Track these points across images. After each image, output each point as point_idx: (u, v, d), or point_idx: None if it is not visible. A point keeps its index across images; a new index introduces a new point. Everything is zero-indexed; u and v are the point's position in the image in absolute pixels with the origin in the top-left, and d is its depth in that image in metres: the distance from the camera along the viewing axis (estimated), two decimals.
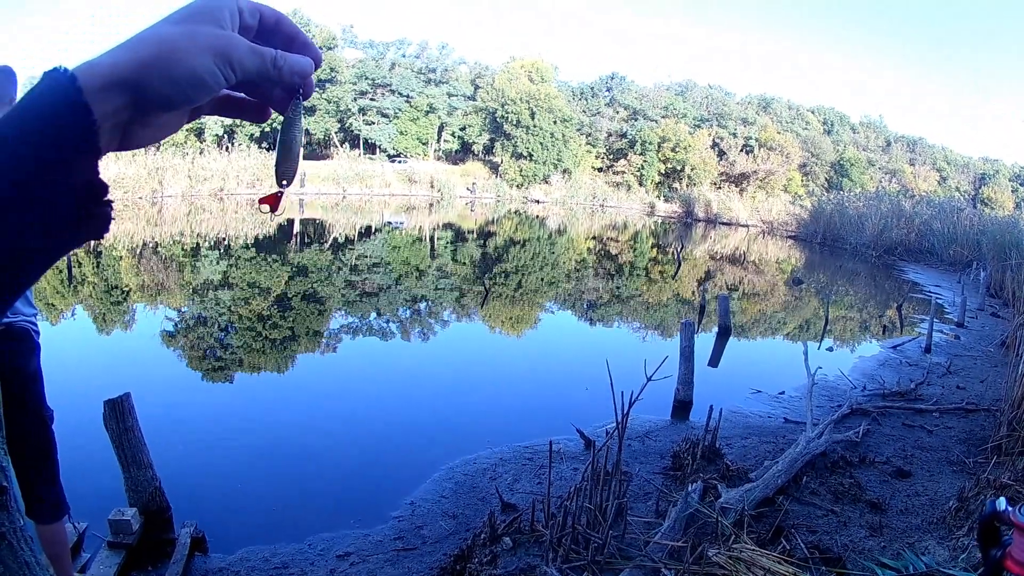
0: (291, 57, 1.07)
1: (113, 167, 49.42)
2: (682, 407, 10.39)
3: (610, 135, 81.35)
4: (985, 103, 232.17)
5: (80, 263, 23.05)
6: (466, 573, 5.57)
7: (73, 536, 5.63)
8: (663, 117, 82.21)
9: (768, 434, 9.51)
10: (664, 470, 7.88)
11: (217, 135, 69.90)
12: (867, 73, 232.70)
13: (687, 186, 72.14)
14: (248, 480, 7.84)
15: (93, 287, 19.75)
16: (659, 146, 75.20)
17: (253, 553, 6.15)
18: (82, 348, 13.73)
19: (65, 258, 21.88)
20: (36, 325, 4.15)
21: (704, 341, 13.81)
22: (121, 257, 25.80)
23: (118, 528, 5.72)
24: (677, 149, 74.48)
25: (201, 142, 67.96)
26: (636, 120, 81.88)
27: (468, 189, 71.70)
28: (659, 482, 7.44)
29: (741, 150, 78.85)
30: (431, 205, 61.55)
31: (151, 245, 28.88)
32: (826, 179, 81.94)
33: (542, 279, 26.10)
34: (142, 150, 46.86)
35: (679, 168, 74.88)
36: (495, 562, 5.51)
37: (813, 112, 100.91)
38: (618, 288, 24.42)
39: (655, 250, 38.56)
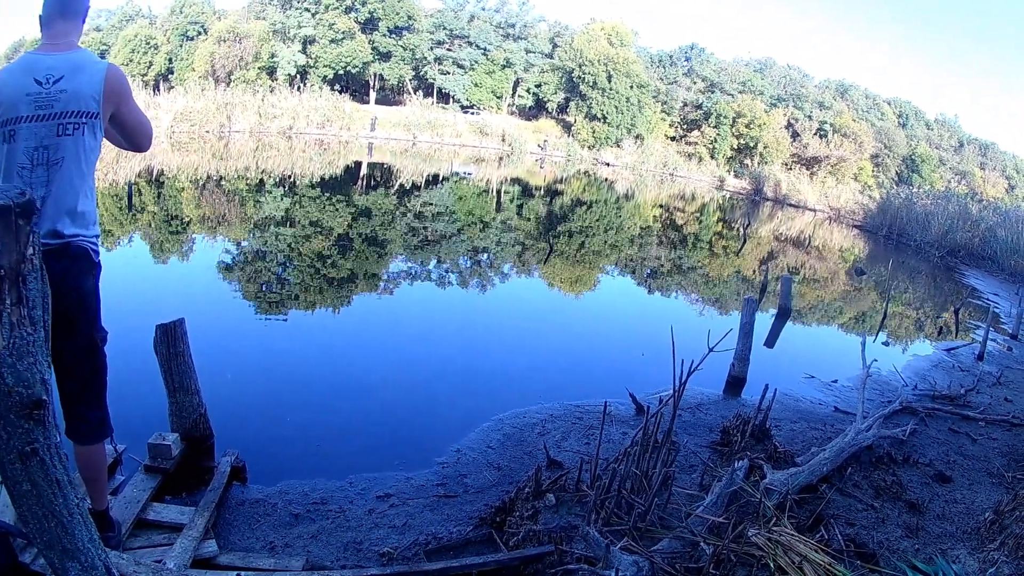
0: None
1: (181, 100, 49.74)
2: (736, 383, 10.36)
3: (685, 105, 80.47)
4: None
5: (140, 192, 23.27)
6: (506, 525, 5.61)
7: (110, 457, 5.73)
8: (740, 92, 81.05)
9: (817, 421, 9.48)
10: (712, 444, 7.89)
11: (289, 75, 69.82)
12: (946, 71, 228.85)
13: (758, 164, 71.21)
14: (294, 415, 7.94)
15: (153, 216, 19.93)
16: (734, 121, 74.29)
17: (292, 487, 6.25)
18: (138, 274, 13.96)
19: (126, 185, 22.18)
20: (96, 246, 4.19)
21: (762, 321, 13.76)
22: (183, 188, 25.99)
23: (157, 452, 5.85)
24: (751, 126, 73.59)
25: (273, 80, 68.04)
26: (713, 93, 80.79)
27: (539, 146, 71.12)
28: (706, 455, 7.47)
29: (815, 133, 77.66)
30: (501, 159, 61.19)
31: (215, 178, 29.07)
32: (896, 172, 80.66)
33: (605, 242, 26.08)
34: (213, 85, 46.93)
35: (752, 145, 74.01)
36: (536, 517, 5.54)
37: (889, 104, 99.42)
38: (680, 258, 24.39)
39: (721, 224, 38.28)
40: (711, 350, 5.49)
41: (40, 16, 4.12)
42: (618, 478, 5.53)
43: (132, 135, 4.35)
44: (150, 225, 18.65)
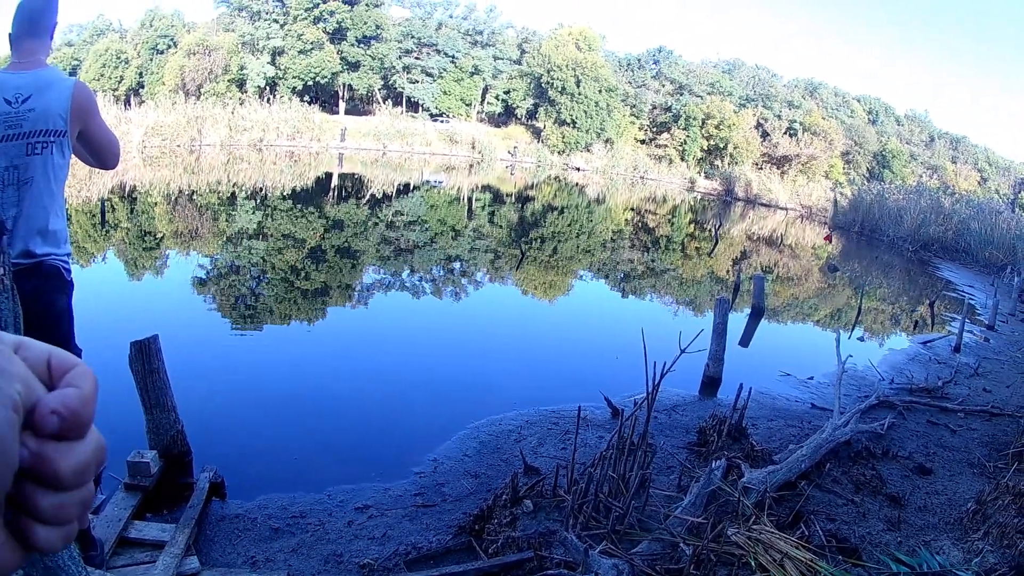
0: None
1: (152, 114, 49.70)
2: (711, 384, 10.42)
3: (655, 108, 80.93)
4: None
5: (114, 208, 23.29)
6: (485, 532, 5.61)
7: None
8: (709, 94, 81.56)
9: (794, 418, 9.55)
10: (689, 445, 7.93)
11: (259, 86, 69.97)
12: (914, 66, 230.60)
13: (729, 164, 71.74)
14: (271, 429, 7.96)
15: (126, 232, 19.92)
16: (703, 122, 74.77)
17: (272, 501, 6.25)
18: (112, 290, 13.98)
19: (99, 202, 22.15)
20: (68, 264, 4.20)
21: (736, 320, 13.80)
22: (156, 203, 26.02)
23: (136, 470, 5.82)
24: (721, 127, 74.08)
25: (243, 93, 68.14)
26: (681, 95, 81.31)
27: (509, 152, 71.39)
28: (683, 456, 7.50)
29: (785, 133, 78.21)
30: (471, 166, 61.52)
31: (187, 192, 29.10)
32: (868, 169, 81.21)
33: (578, 247, 26.18)
34: (183, 98, 46.97)
35: (722, 146, 74.48)
36: (514, 524, 5.57)
37: (859, 101, 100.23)
38: (653, 261, 24.45)
39: (693, 226, 38.45)
40: (683, 351, 5.53)
41: (9, 34, 4.13)
42: (595, 482, 5.56)
43: (99, 152, 4.31)
44: (123, 241, 18.64)
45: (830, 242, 34.42)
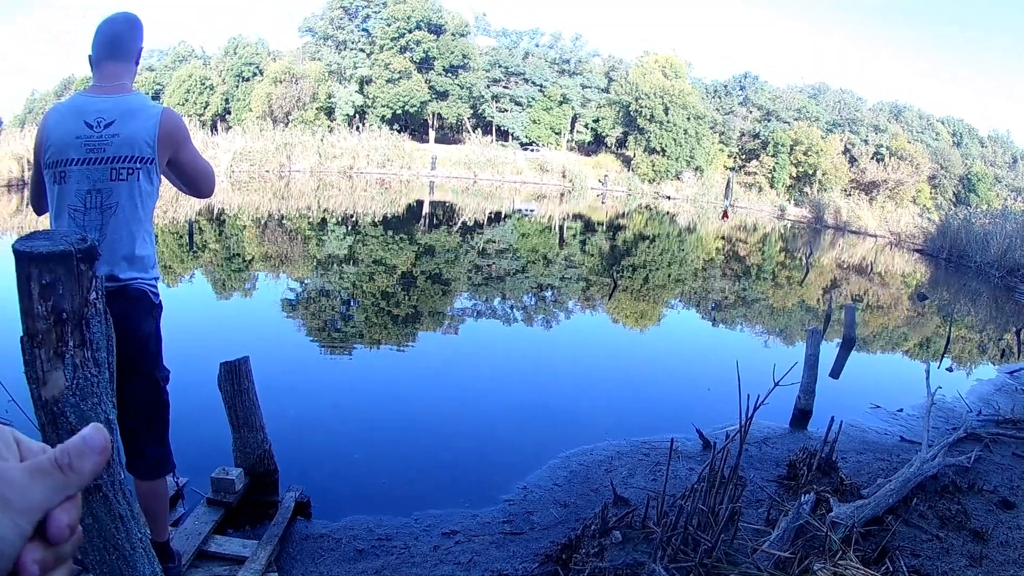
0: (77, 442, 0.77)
1: (239, 140, 50.54)
2: (802, 416, 10.22)
3: (743, 135, 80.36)
4: None
5: (201, 230, 23.65)
6: (572, 562, 5.50)
7: (172, 490, 5.75)
8: (796, 119, 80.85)
9: (883, 451, 9.35)
10: (778, 478, 7.80)
11: (348, 115, 70.77)
12: (995, 85, 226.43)
13: (818, 191, 70.89)
14: (359, 451, 7.96)
15: (214, 253, 20.22)
16: (791, 149, 74.11)
17: (357, 522, 6.22)
18: (200, 311, 14.20)
19: (186, 224, 22.53)
20: (156, 288, 4.19)
21: (827, 351, 13.66)
22: (245, 226, 26.36)
23: (220, 486, 5.88)
24: (809, 153, 73.23)
25: (331, 121, 68.98)
26: (769, 121, 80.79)
27: (600, 181, 71.23)
28: (772, 490, 7.38)
29: (872, 158, 77.40)
30: (562, 195, 61.33)
31: (277, 217, 29.45)
32: (954, 193, 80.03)
33: (669, 276, 25.96)
34: (271, 125, 47.51)
35: (811, 172, 73.65)
36: (602, 555, 5.44)
37: (943, 123, 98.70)
38: (744, 290, 24.19)
39: (783, 254, 37.99)
40: (777, 384, 5.46)
41: (90, 56, 4.12)
42: (685, 514, 5.52)
43: (193, 181, 4.31)
44: (212, 263, 18.94)
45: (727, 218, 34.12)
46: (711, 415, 9.68)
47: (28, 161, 41.55)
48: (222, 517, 5.74)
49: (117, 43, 4.06)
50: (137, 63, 4.19)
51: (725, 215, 35.37)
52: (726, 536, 5.39)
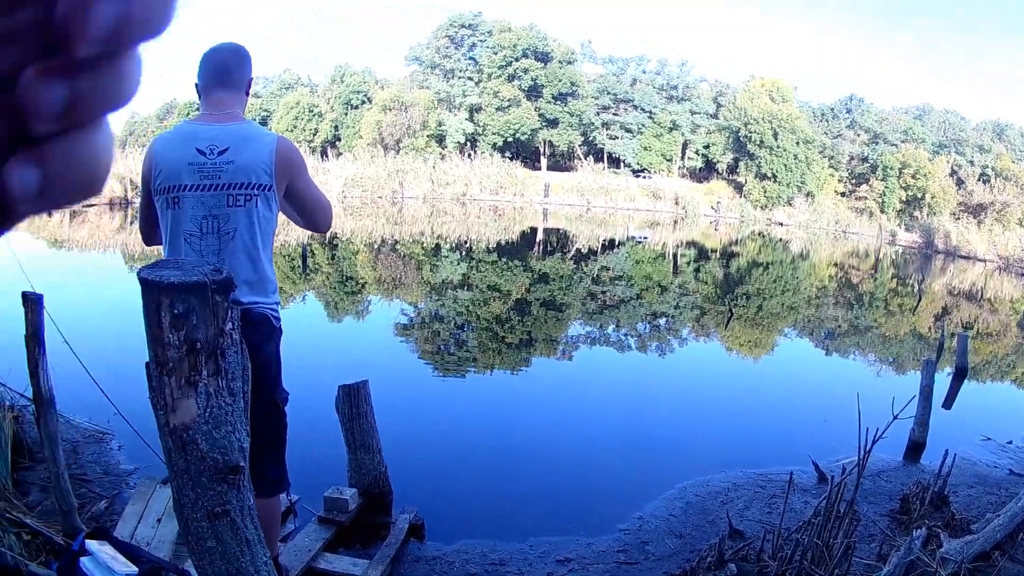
0: None
1: (350, 166, 51.27)
2: (915, 448, 9.98)
3: (852, 158, 79.31)
4: None
5: (313, 253, 23.98)
6: None
7: (283, 506, 5.85)
8: (902, 142, 79.52)
9: (992, 484, 9.15)
10: (891, 512, 7.69)
11: (458, 142, 71.29)
12: None
13: (927, 215, 69.81)
14: (475, 476, 8.03)
15: (327, 277, 20.56)
16: (900, 172, 72.87)
17: (471, 546, 6.22)
18: (314, 333, 14.43)
19: (299, 247, 22.88)
20: (277, 312, 4.22)
21: (939, 380, 13.49)
22: (358, 251, 26.70)
23: (333, 505, 5.94)
24: (917, 176, 71.95)
25: (442, 148, 69.51)
26: (876, 144, 79.60)
27: (712, 208, 70.46)
28: (884, 524, 7.30)
29: (978, 179, 75.92)
30: (675, 222, 61.17)
31: (390, 242, 29.79)
32: None
33: (783, 304, 25.84)
34: (382, 152, 48.06)
35: (919, 196, 72.42)
36: None
37: None
38: (857, 318, 23.85)
39: (895, 281, 37.51)
40: (895, 418, 5.39)
41: (196, 85, 4.15)
42: (800, 549, 5.49)
43: (310, 213, 4.29)
44: (325, 286, 19.22)
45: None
46: (826, 446, 9.58)
47: (130, 181, 42.49)
48: (333, 535, 5.81)
49: (225, 72, 4.09)
50: (247, 93, 4.23)
51: None
52: (839, 571, 5.36)
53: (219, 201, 3.87)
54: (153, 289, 2.53)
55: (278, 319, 4.22)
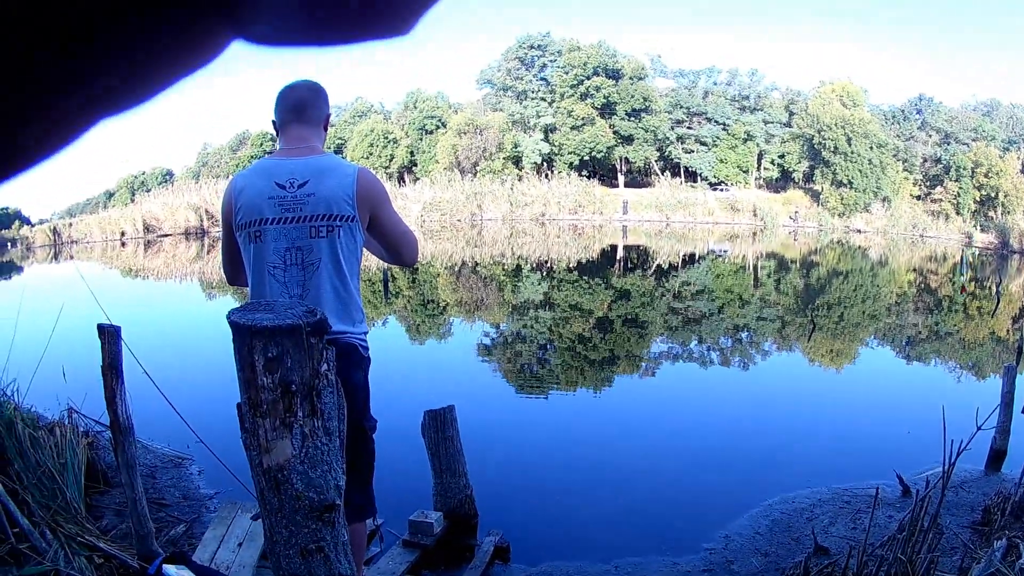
0: None
1: (428, 191, 51.74)
2: (997, 457, 9.77)
3: (925, 160, 78.35)
4: None
5: (395, 277, 24.14)
6: None
7: (368, 529, 5.73)
8: (973, 140, 78.40)
9: None
10: (972, 524, 7.56)
11: (535, 163, 71.62)
12: None
13: (1001, 214, 68.82)
14: (559, 496, 8.03)
15: (408, 300, 20.70)
16: (972, 172, 71.77)
17: (556, 568, 6.22)
18: (395, 356, 14.61)
19: (380, 272, 23.06)
20: (365, 342, 4.25)
21: (1020, 384, 13.23)
22: (438, 274, 26.84)
23: (418, 529, 6.02)
24: (990, 175, 70.68)
25: (519, 169, 69.85)
26: (948, 144, 78.49)
27: (791, 218, 70.12)
28: (966, 536, 7.16)
29: None
30: (754, 234, 61.12)
31: (470, 264, 29.95)
32: None
33: (863, 312, 25.66)
34: (458, 175, 48.89)
35: (993, 195, 71.31)
36: None
37: None
38: (936, 324, 23.59)
39: (972, 284, 36.92)
40: (979, 428, 5.36)
41: (273, 122, 4.22)
42: (885, 565, 5.45)
43: (395, 245, 4.28)
44: (407, 310, 19.37)
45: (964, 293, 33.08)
46: (910, 457, 9.44)
47: (205, 211, 43.05)
48: (417, 558, 5.89)
49: (302, 108, 4.15)
50: (325, 128, 4.28)
51: (963, 290, 34.29)
52: None
53: (302, 233, 3.92)
54: (245, 333, 2.58)
55: (366, 348, 4.26)
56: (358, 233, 4.05)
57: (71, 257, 35.85)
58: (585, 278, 29.11)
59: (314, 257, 3.95)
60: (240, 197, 3.99)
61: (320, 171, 3.96)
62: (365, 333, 4.28)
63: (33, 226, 45.16)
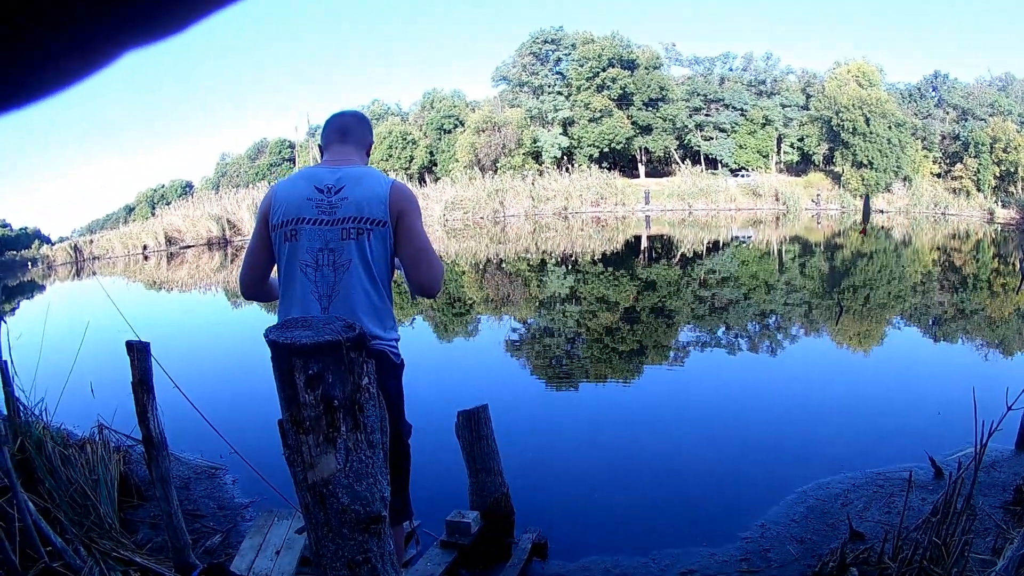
0: None
1: (449, 189, 51.88)
2: None
3: (944, 138, 77.92)
4: None
5: None
6: None
7: (405, 531, 5.76)
8: (991, 115, 77.88)
9: None
10: (1004, 504, 7.50)
11: (555, 157, 71.79)
12: None
13: (1022, 189, 68.27)
14: (594, 490, 8.03)
15: (435, 299, 20.78)
16: (991, 147, 71.35)
17: (594, 563, 6.24)
18: (424, 354, 14.79)
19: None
20: (396, 348, 4.28)
21: None
22: (463, 272, 26.86)
23: (455, 529, 6.02)
24: (1008, 150, 70.22)
25: (539, 164, 69.96)
26: (966, 120, 77.98)
27: (813, 201, 70.20)
28: (999, 517, 7.13)
29: None
30: (777, 218, 61.11)
31: (495, 261, 30.00)
32: None
33: (889, 293, 25.56)
34: (479, 173, 49.03)
35: (1012, 171, 70.86)
36: None
37: None
38: (962, 302, 23.42)
39: (996, 260, 36.78)
40: (1009, 408, 5.32)
41: (320, 146, 4.40)
42: (920, 549, 5.43)
43: (417, 263, 4.19)
44: (434, 309, 19.47)
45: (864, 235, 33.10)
46: (941, 439, 9.37)
47: (227, 221, 43.19)
48: (456, 559, 5.90)
49: (346, 131, 4.32)
50: (368, 154, 4.42)
51: (863, 232, 34.31)
52: (956, 569, 5.30)
53: (335, 235, 4.00)
54: (284, 351, 2.60)
55: (397, 354, 4.29)
56: (389, 239, 4.11)
57: (93, 273, 36.00)
58: (610, 270, 29.18)
59: (344, 259, 4.02)
60: (280, 198, 4.13)
61: (357, 178, 4.07)
62: (396, 340, 4.31)
63: (53, 244, 45.38)
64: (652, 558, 6.42)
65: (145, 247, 42.45)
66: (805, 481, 8.16)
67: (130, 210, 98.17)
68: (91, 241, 44.63)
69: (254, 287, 4.46)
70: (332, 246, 4.00)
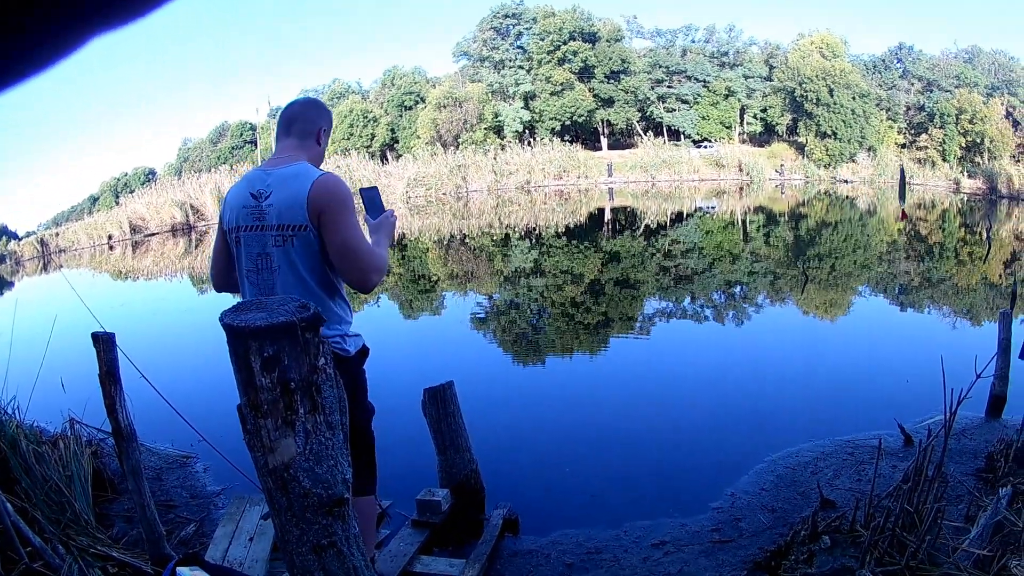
0: None
1: (411, 167, 51.80)
2: (996, 404, 9.70)
3: (908, 108, 78.34)
4: None
5: None
6: (781, 569, 5.47)
7: (376, 510, 5.77)
8: (956, 87, 78.34)
9: None
10: (976, 471, 7.57)
11: (517, 131, 71.75)
12: None
13: (988, 160, 68.81)
14: (564, 465, 8.03)
15: (399, 277, 20.74)
16: (957, 118, 71.82)
17: (566, 537, 6.26)
18: (390, 333, 14.82)
19: None
20: (341, 342, 4.21)
21: (1015, 331, 13.17)
22: (427, 249, 26.86)
23: (426, 507, 6.04)
24: (974, 121, 70.64)
25: (501, 139, 69.90)
26: (931, 92, 78.44)
27: (776, 171, 70.29)
28: (971, 484, 7.15)
29: None
30: (741, 189, 61.27)
31: (459, 237, 30.02)
32: None
33: (854, 262, 25.64)
34: (441, 149, 48.97)
35: (978, 141, 71.23)
36: (811, 560, 5.39)
37: None
38: (929, 271, 23.51)
39: (963, 230, 36.82)
40: (978, 376, 5.33)
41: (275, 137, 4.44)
42: (892, 517, 5.45)
43: (340, 260, 4.08)
44: (397, 287, 19.47)
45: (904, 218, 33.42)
46: (910, 407, 9.43)
47: (190, 207, 43.26)
48: (428, 538, 5.92)
49: (291, 121, 4.32)
50: (319, 142, 4.38)
51: (904, 216, 34.22)
52: (930, 536, 5.32)
53: (268, 240, 4.08)
54: (239, 334, 2.57)
55: (344, 349, 4.27)
56: (314, 241, 4.10)
57: (60, 267, 35.71)
58: (574, 243, 29.21)
59: (275, 264, 4.11)
60: (229, 203, 4.23)
61: (284, 180, 4.08)
62: (342, 335, 4.30)
63: (20, 240, 45.01)
64: (624, 530, 6.43)
65: (110, 237, 42.13)
66: (774, 450, 8.19)
67: (94, 200, 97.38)
68: (57, 234, 44.25)
69: (224, 284, 4.57)
70: (268, 251, 4.09)
